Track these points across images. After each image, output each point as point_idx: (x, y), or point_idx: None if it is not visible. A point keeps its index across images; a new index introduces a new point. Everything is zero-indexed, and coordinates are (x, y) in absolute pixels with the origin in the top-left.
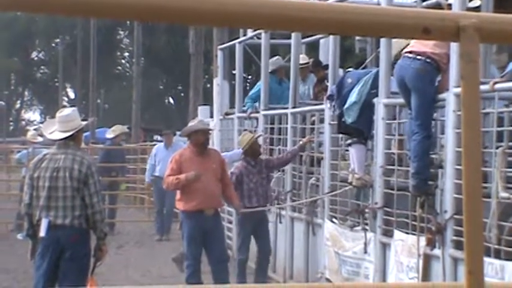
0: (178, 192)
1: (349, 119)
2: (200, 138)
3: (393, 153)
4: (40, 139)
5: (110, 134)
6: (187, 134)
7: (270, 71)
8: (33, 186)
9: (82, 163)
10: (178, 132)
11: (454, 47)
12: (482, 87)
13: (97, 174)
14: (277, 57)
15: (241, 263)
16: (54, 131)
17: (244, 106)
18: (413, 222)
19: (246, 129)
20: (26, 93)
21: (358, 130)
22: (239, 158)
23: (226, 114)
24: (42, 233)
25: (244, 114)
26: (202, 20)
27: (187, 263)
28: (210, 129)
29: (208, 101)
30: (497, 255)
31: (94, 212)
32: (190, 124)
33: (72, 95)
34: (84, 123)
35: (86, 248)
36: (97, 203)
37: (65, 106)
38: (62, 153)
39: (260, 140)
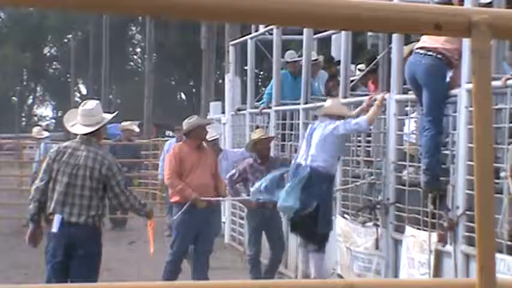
0: None
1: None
2: (202, 134)
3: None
4: (46, 134)
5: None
6: (189, 130)
7: (290, 60)
8: (50, 176)
9: (103, 163)
10: None
11: (466, 42)
12: (495, 83)
13: (120, 172)
14: (290, 51)
15: (251, 259)
16: (76, 123)
17: (258, 101)
18: (425, 218)
19: (253, 128)
20: (38, 88)
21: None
22: (242, 157)
23: (238, 110)
24: (54, 228)
25: (256, 110)
26: (214, 15)
27: (170, 260)
28: (209, 124)
29: (220, 96)
30: (510, 251)
31: (126, 207)
32: (189, 121)
33: (84, 91)
34: (107, 117)
35: (97, 247)
36: (125, 201)
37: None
38: (84, 150)
39: (272, 140)
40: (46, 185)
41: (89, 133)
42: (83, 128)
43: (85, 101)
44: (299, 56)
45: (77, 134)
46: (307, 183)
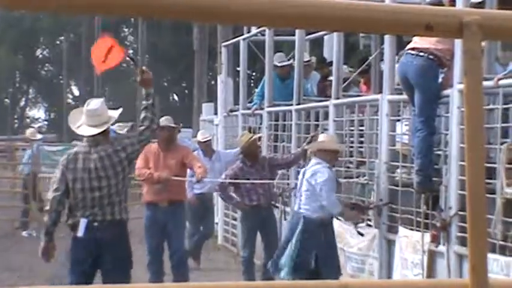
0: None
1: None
2: (162, 134)
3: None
4: (39, 136)
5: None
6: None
7: (279, 65)
8: (66, 186)
9: (117, 152)
10: (182, 130)
11: (458, 43)
12: (487, 83)
13: (129, 138)
14: (280, 53)
15: (245, 260)
16: (82, 125)
17: (250, 102)
18: (418, 219)
19: (246, 128)
20: (31, 90)
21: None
22: (234, 158)
23: (231, 111)
24: (79, 233)
25: (248, 111)
26: (207, 17)
27: (148, 261)
28: (174, 127)
29: (212, 97)
30: (503, 251)
31: (153, 124)
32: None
33: (76, 92)
34: (114, 115)
35: (126, 250)
36: (148, 126)
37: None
38: (95, 152)
39: (260, 140)
40: (64, 195)
41: (96, 134)
42: (90, 129)
43: (88, 101)
44: (290, 58)
45: (84, 137)
46: (303, 236)
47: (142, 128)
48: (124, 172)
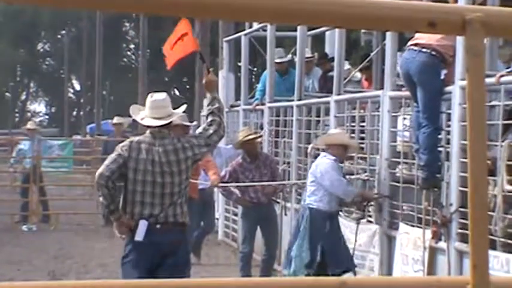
0: None
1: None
2: (178, 133)
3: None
4: (35, 126)
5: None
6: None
7: (277, 61)
8: (120, 171)
9: (184, 149)
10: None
11: (460, 39)
12: (488, 80)
13: (196, 138)
14: (279, 49)
15: (244, 256)
16: (145, 117)
17: (251, 98)
18: (419, 215)
19: (247, 124)
20: (32, 84)
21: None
22: (235, 153)
23: (232, 106)
24: (138, 236)
25: (249, 107)
26: (208, 12)
27: None
28: (189, 125)
29: None
30: (503, 248)
31: (220, 131)
32: None
33: (77, 87)
34: (178, 112)
35: (187, 256)
36: (215, 131)
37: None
38: (160, 145)
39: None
40: (113, 173)
41: (161, 126)
42: (155, 120)
43: (151, 93)
44: (292, 53)
45: (150, 127)
46: (310, 227)
47: (211, 131)
48: (187, 172)
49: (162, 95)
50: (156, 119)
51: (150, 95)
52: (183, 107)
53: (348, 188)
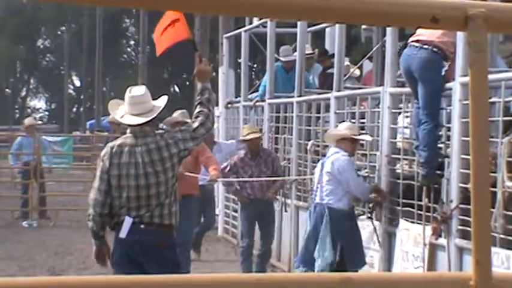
0: None
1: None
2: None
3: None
4: (34, 121)
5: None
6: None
7: (284, 60)
8: (109, 184)
9: (168, 146)
10: None
11: (460, 35)
12: (489, 76)
13: (182, 133)
14: (286, 46)
15: (243, 251)
16: (125, 114)
17: (252, 93)
18: (419, 212)
19: (247, 121)
20: (32, 80)
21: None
22: (235, 148)
23: (229, 103)
24: (122, 233)
25: (249, 103)
26: (208, 8)
27: None
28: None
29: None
30: (504, 245)
31: (208, 123)
32: None
33: (77, 83)
34: (160, 105)
35: (173, 259)
36: (202, 124)
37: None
38: (142, 145)
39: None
40: (107, 196)
41: (142, 124)
42: (135, 118)
43: (130, 88)
44: (294, 49)
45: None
46: (332, 228)
47: (196, 124)
48: (173, 170)
49: (141, 89)
50: (136, 116)
51: (128, 89)
52: (164, 98)
53: (365, 190)
